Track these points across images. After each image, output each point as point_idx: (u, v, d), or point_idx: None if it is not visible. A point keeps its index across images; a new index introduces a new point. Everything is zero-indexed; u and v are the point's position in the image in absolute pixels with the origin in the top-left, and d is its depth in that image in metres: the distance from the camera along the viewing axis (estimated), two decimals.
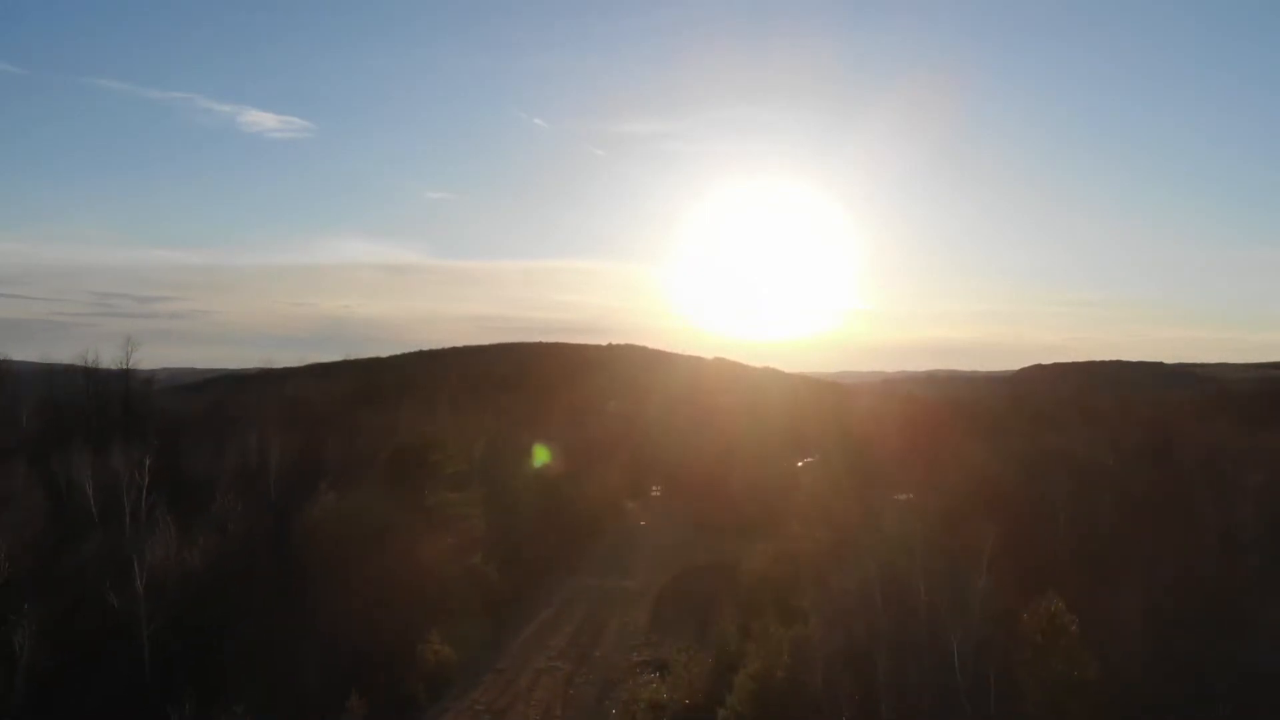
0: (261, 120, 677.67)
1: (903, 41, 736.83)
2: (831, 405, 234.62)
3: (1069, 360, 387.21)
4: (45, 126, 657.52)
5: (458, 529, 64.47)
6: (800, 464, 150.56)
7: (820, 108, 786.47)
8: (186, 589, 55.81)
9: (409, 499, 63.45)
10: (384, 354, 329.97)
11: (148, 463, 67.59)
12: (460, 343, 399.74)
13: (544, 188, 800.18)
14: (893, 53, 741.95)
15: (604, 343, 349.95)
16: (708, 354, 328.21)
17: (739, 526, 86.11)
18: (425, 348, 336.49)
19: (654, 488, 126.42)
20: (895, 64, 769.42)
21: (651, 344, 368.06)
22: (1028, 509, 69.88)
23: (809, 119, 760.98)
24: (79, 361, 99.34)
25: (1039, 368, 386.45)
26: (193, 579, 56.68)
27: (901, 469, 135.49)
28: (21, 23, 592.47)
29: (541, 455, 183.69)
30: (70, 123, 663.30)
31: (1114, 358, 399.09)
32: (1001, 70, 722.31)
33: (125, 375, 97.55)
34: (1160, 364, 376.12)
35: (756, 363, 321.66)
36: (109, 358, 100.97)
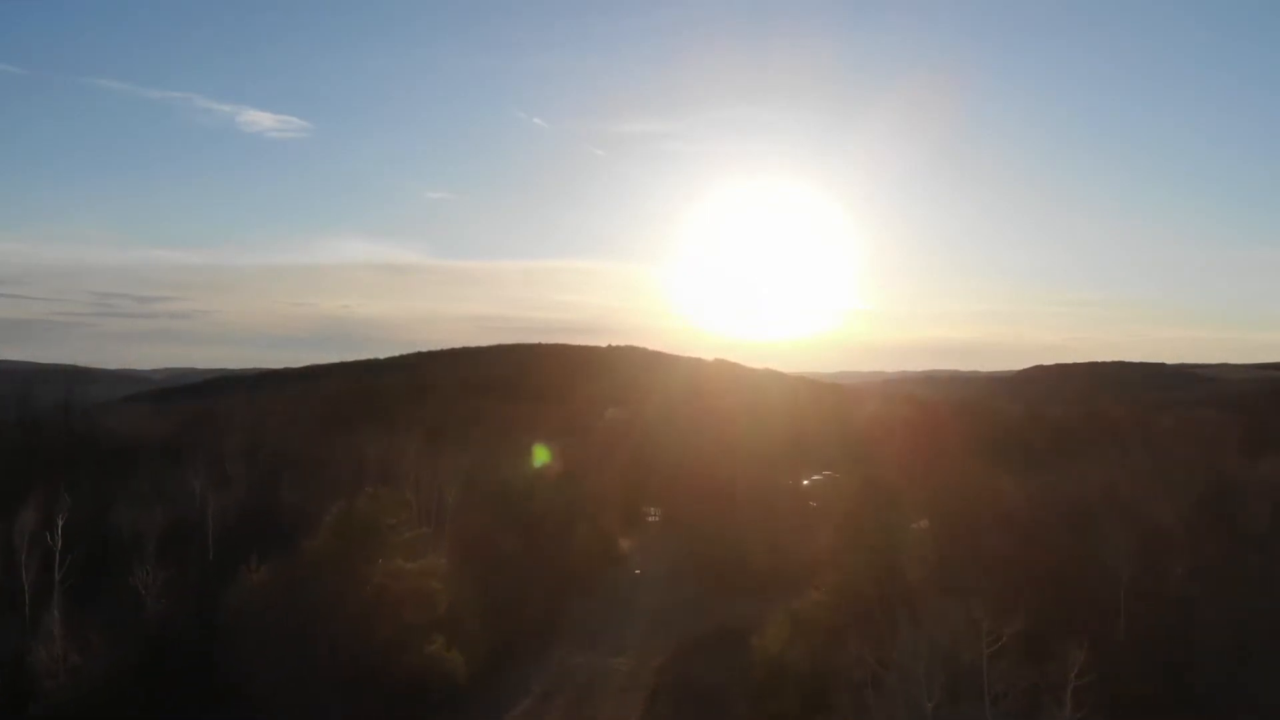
0: (260, 120, 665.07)
1: (903, 41, 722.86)
2: (834, 410, 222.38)
3: (1070, 361, 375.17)
4: (45, 126, 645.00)
5: (416, 606, 52.45)
6: (806, 482, 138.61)
7: (820, 108, 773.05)
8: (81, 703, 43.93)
9: (358, 572, 51.40)
10: (383, 355, 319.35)
11: (61, 523, 55.94)
12: (460, 343, 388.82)
13: (544, 188, 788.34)
14: (893, 53, 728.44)
15: (604, 344, 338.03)
16: (708, 355, 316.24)
17: (746, 572, 74.36)
18: (425, 349, 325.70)
19: (651, 512, 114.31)
20: (895, 64, 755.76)
21: (651, 345, 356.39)
22: (1086, 589, 57.81)
23: (809, 119, 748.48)
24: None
25: (1040, 369, 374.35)
26: (88, 689, 44.77)
27: (916, 487, 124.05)
28: (21, 23, 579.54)
29: (541, 455, 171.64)
30: (70, 123, 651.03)
31: (1114, 358, 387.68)
32: (1001, 70, 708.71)
33: (65, 411, 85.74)
34: (1161, 365, 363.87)
35: (757, 364, 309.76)
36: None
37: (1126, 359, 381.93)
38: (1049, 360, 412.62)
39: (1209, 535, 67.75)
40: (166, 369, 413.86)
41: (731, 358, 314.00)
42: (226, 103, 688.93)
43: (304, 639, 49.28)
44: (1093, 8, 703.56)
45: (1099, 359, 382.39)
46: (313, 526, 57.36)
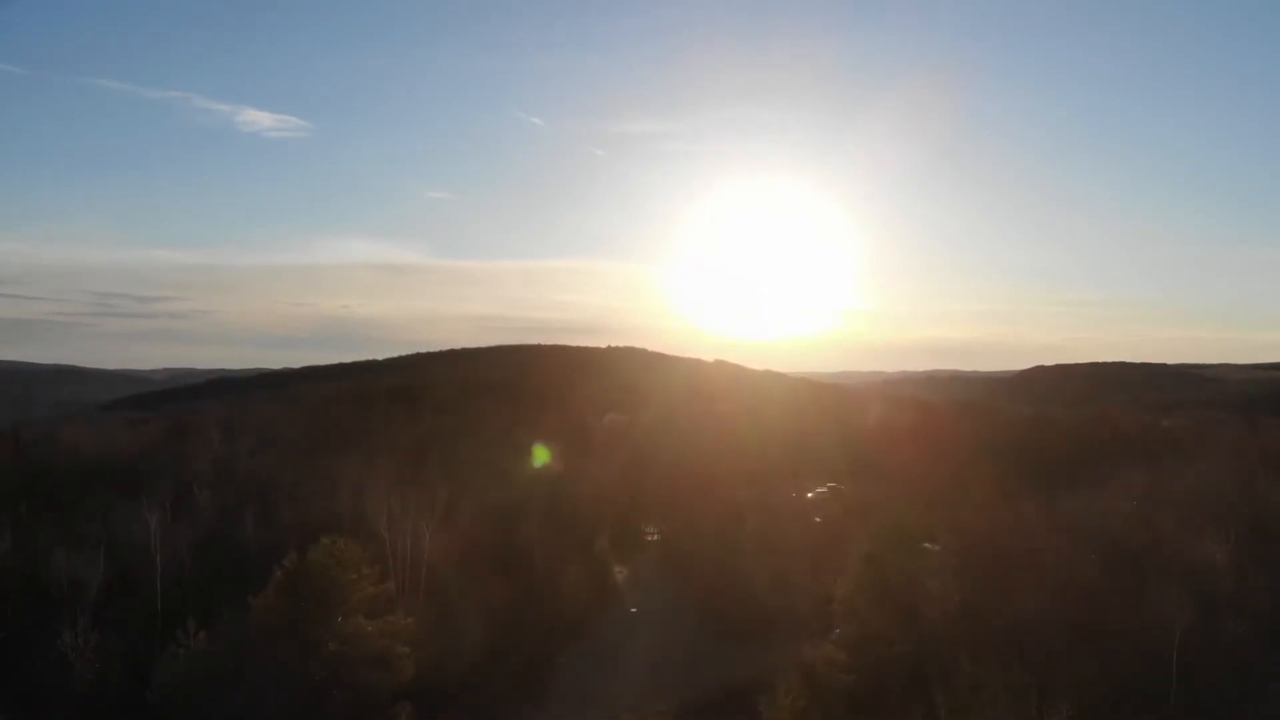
0: (259, 119, 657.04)
1: (903, 41, 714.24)
2: (836, 413, 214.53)
3: (1071, 361, 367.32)
4: (45, 126, 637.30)
5: (379, 673, 45.10)
6: (811, 494, 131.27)
7: (820, 108, 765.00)
8: None
9: (311, 636, 44.03)
10: (382, 356, 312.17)
11: None
12: (459, 344, 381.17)
13: (544, 188, 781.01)
14: (893, 53, 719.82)
15: (603, 345, 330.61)
16: (708, 356, 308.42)
17: (752, 610, 67.00)
18: (424, 349, 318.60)
19: (650, 530, 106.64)
20: (895, 64, 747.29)
21: (651, 345, 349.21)
22: (1134, 649, 50.32)
23: (809, 119, 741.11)
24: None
25: (1041, 369, 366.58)
26: None
27: (928, 502, 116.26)
28: (21, 23, 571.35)
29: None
30: (70, 122, 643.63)
31: (1115, 358, 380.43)
32: (1001, 70, 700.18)
33: (14, 437, 78.64)
34: (1163, 365, 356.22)
35: (757, 365, 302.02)
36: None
37: (1127, 359, 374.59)
38: (1049, 360, 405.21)
39: (1258, 574, 60.46)
40: (166, 369, 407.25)
41: (731, 358, 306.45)
42: (225, 102, 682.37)
43: None
44: (1093, 8, 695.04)
45: (1100, 359, 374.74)
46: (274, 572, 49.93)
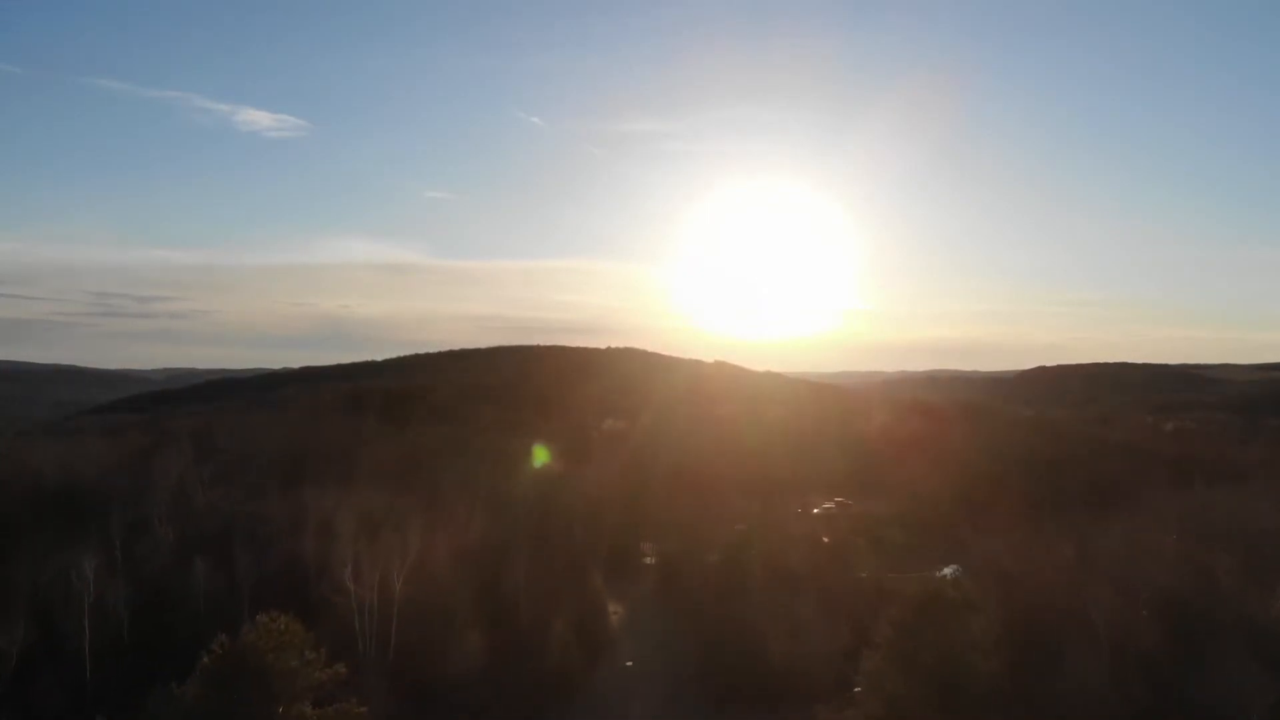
0: (257, 119, 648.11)
1: (903, 41, 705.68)
2: (838, 415, 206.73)
3: (1073, 362, 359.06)
4: (43, 126, 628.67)
5: None
6: (817, 510, 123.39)
7: (820, 108, 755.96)
8: None
9: None
10: (381, 357, 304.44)
11: None
12: (459, 344, 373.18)
13: (543, 187, 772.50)
14: (893, 53, 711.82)
15: (603, 346, 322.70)
16: (708, 356, 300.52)
17: (761, 666, 59.14)
18: (423, 350, 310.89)
19: (647, 552, 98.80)
20: (895, 64, 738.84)
21: (651, 346, 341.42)
22: None
23: (809, 119, 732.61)
24: None
25: (1043, 370, 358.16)
26: None
27: (944, 524, 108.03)
28: (20, 23, 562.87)
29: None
30: (68, 122, 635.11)
31: (1114, 357, 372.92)
32: (1001, 70, 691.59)
33: None
34: (1165, 366, 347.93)
35: (757, 365, 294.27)
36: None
37: (1127, 359, 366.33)
38: (1049, 360, 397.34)
39: None
40: (166, 369, 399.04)
41: (731, 359, 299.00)
42: (224, 102, 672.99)
43: None
44: (1093, 8, 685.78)
45: (1100, 359, 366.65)
46: (225, 629, 41.95)
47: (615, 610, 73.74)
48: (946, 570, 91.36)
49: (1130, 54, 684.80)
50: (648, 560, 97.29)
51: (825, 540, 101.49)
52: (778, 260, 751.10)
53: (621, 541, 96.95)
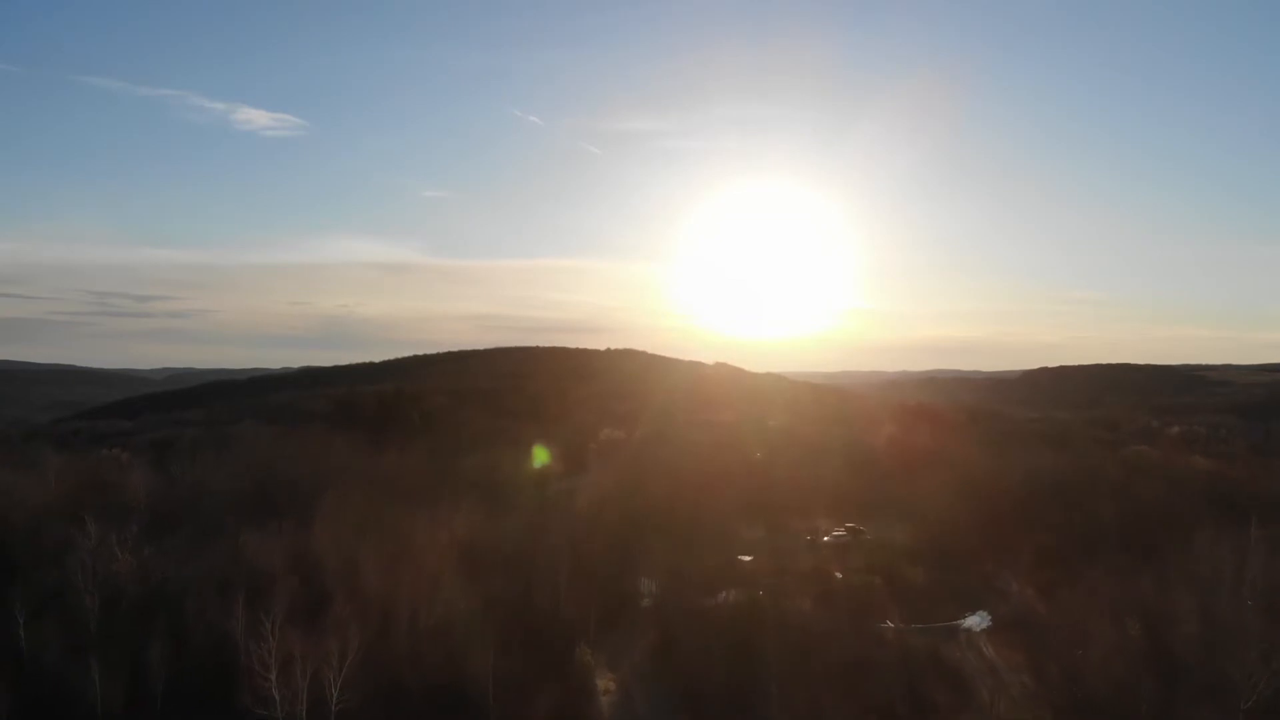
0: (254, 118, 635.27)
1: (903, 41, 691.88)
2: (842, 419, 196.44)
3: (1074, 363, 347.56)
4: (41, 125, 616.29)
5: None
6: (827, 538, 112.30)
7: (821, 107, 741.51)
8: None
9: None
10: (379, 358, 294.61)
11: None
12: (458, 344, 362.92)
13: (541, 186, 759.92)
14: (893, 53, 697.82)
15: (603, 347, 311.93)
16: (708, 357, 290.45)
17: None
18: (422, 350, 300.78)
19: (645, 592, 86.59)
20: (895, 64, 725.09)
21: (651, 345, 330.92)
22: None
23: (809, 118, 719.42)
24: None
25: (1045, 370, 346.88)
26: None
27: (968, 556, 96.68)
28: (16, 21, 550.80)
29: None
30: (65, 121, 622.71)
31: (1115, 357, 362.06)
32: (1001, 70, 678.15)
33: None
34: (1168, 367, 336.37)
35: (757, 366, 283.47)
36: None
37: (1128, 358, 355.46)
38: (1050, 360, 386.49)
39: None
40: (166, 369, 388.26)
41: (731, 358, 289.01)
42: (221, 101, 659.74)
43: None
44: (1093, 8, 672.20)
45: (1101, 358, 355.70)
46: None
47: (607, 688, 62.52)
48: (973, 620, 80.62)
49: (1130, 54, 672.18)
50: (645, 601, 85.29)
51: (839, 576, 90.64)
52: (778, 260, 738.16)
53: (616, 580, 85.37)
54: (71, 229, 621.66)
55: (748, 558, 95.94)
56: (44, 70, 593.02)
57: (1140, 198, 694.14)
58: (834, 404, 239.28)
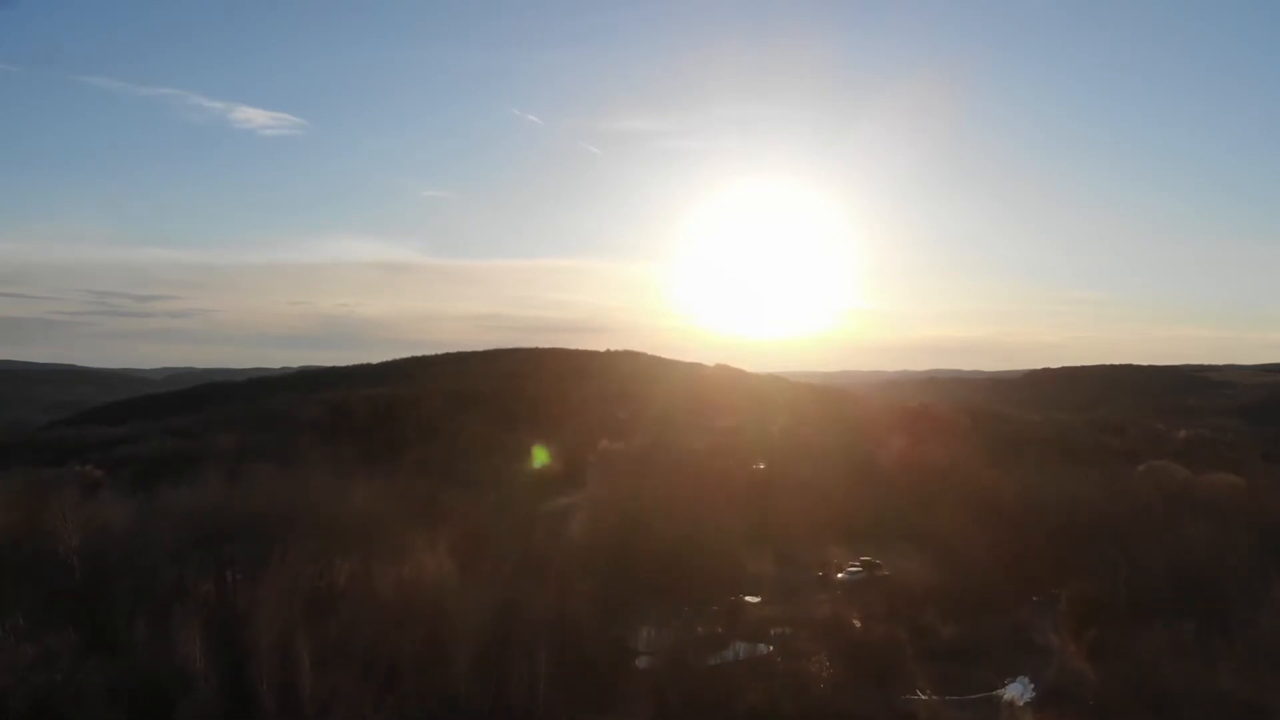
0: (253, 117, 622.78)
1: (903, 41, 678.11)
2: (851, 431, 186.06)
3: (1075, 363, 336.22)
4: (40, 124, 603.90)
5: None
6: (842, 575, 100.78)
7: (821, 107, 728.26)
8: None
9: None
10: (377, 359, 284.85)
11: None
12: (457, 344, 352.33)
13: (541, 186, 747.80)
14: (893, 53, 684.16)
15: (602, 348, 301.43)
16: (708, 358, 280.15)
17: None
18: (422, 351, 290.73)
19: (641, 649, 74.41)
20: (895, 64, 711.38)
21: (650, 345, 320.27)
22: None
23: (809, 118, 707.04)
24: None
25: (1047, 371, 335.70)
26: None
27: (1000, 602, 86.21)
28: (15, 21, 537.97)
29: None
30: (64, 120, 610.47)
31: (1116, 357, 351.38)
32: (1001, 70, 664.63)
33: None
34: (1171, 367, 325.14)
35: (758, 366, 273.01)
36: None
37: (1129, 359, 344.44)
38: (1051, 360, 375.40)
39: None
40: (166, 369, 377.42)
41: (731, 359, 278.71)
42: (220, 100, 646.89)
43: None
44: (1093, 8, 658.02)
45: (1102, 358, 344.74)
46: None
47: None
48: (1014, 689, 69.47)
49: (1131, 53, 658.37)
50: (641, 661, 72.99)
51: (857, 624, 79.65)
52: (778, 260, 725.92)
53: (607, 637, 73.64)
54: (71, 229, 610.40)
55: (755, 599, 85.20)
56: (44, 70, 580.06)
57: (1140, 198, 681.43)
58: (836, 405, 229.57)
